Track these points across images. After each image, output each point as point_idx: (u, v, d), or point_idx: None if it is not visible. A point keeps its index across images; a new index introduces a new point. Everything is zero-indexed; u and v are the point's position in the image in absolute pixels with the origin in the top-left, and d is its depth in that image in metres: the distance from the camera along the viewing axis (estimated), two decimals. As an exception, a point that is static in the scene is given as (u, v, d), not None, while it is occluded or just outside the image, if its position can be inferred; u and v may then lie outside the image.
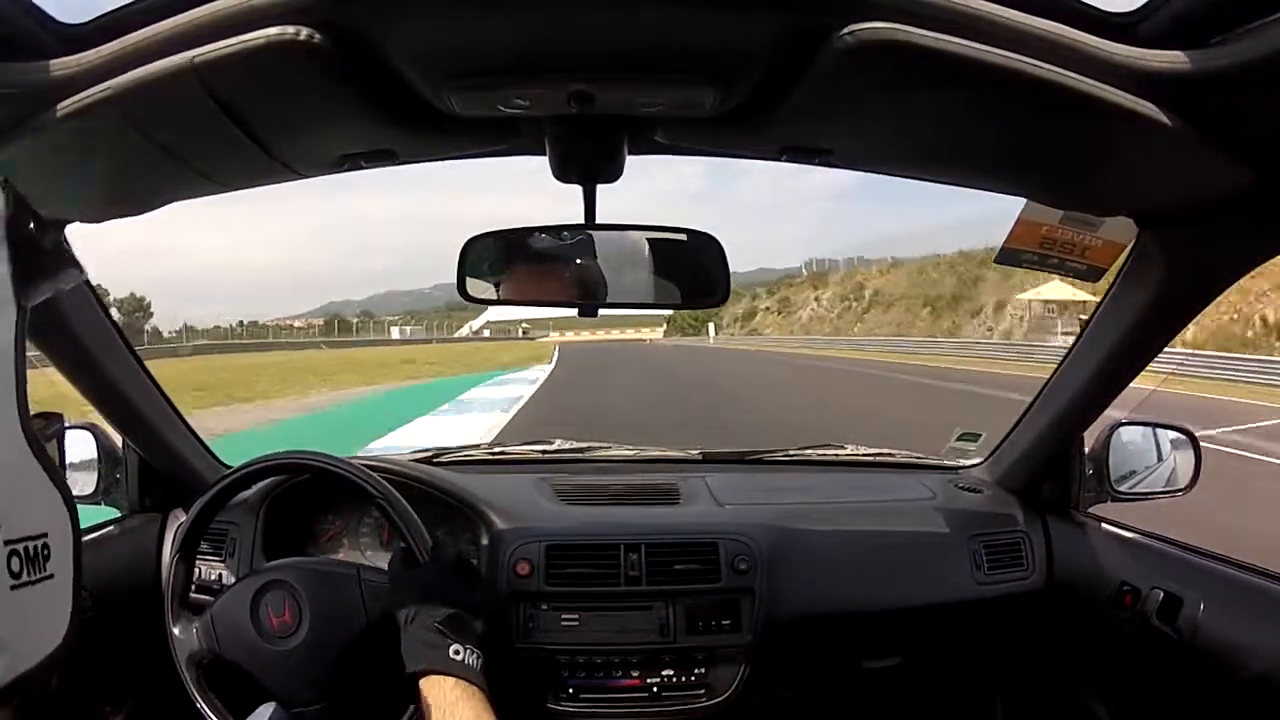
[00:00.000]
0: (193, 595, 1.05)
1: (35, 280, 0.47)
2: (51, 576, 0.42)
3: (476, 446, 1.67)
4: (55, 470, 0.45)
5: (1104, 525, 1.30)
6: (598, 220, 0.84)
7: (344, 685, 0.94)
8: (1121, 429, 1.31)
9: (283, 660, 0.93)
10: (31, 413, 0.47)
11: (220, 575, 1.24)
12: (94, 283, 1.10)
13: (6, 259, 0.44)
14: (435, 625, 0.87)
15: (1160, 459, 1.33)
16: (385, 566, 1.29)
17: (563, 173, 0.81)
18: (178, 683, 0.97)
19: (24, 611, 0.40)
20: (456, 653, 0.85)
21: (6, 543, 0.39)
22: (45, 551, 0.42)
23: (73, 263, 0.52)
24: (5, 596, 0.39)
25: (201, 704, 0.97)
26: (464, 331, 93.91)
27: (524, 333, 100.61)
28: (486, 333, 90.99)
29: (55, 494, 0.45)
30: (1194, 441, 1.30)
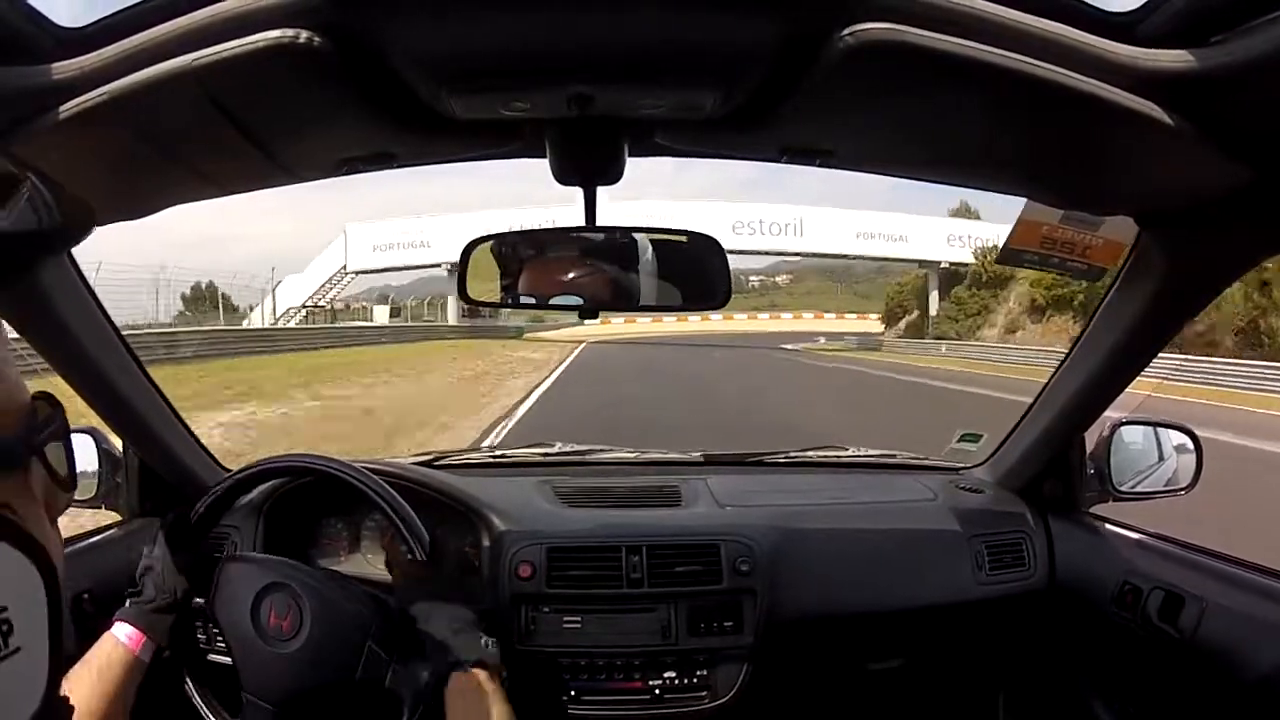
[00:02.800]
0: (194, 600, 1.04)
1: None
2: (17, 650, 0.36)
3: (478, 450, 1.67)
4: (15, 532, 0.37)
5: (1106, 525, 1.30)
6: (598, 222, 0.84)
7: (301, 708, 0.93)
8: (1123, 428, 1.31)
9: (264, 654, 0.93)
10: (33, 393, 0.40)
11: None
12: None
13: None
14: (464, 619, 0.90)
15: (1162, 458, 1.33)
16: (386, 572, 1.29)
17: (563, 175, 0.82)
18: (177, 685, 0.97)
19: None
20: (486, 644, 0.88)
21: None
22: (6, 627, 0.35)
23: (71, 220, 0.42)
24: None
25: (190, 685, 0.96)
26: (257, 319, 31.38)
27: (470, 311, 33.21)
28: (381, 315, 37.02)
29: (14, 555, 0.37)
30: (1195, 440, 1.30)
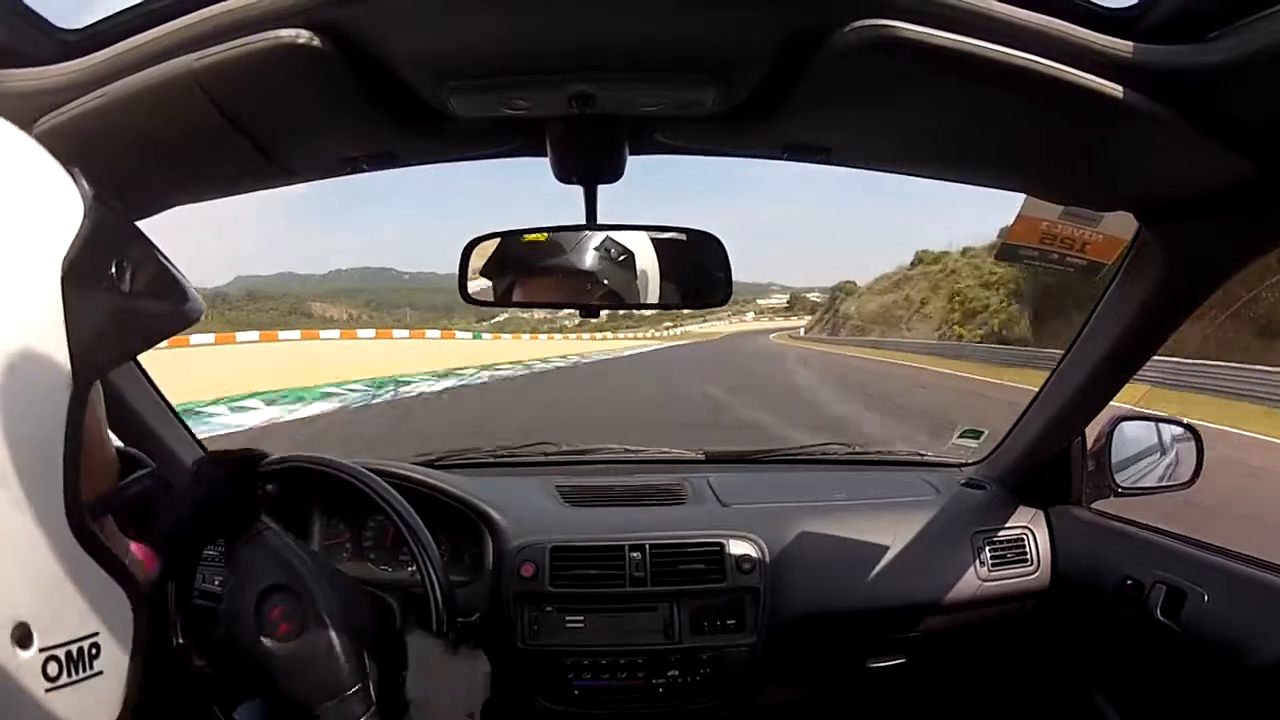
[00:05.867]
0: (195, 601, 1.04)
1: (108, 339, 0.38)
2: (100, 674, 0.39)
3: (479, 449, 1.66)
4: (113, 561, 0.40)
5: (1107, 520, 1.30)
6: (599, 220, 0.84)
7: (234, 679, 0.92)
8: (1124, 424, 1.32)
9: (251, 638, 0.92)
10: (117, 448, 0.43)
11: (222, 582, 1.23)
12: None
13: (61, 319, 0.36)
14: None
15: (1162, 453, 1.34)
16: (389, 571, 1.29)
17: (563, 173, 0.82)
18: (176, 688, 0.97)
19: (59, 711, 0.37)
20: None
21: (42, 650, 0.36)
22: (94, 650, 0.38)
23: (178, 302, 0.42)
24: (38, 698, 0.36)
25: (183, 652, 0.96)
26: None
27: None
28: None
29: (113, 588, 0.40)
30: (1195, 435, 1.30)
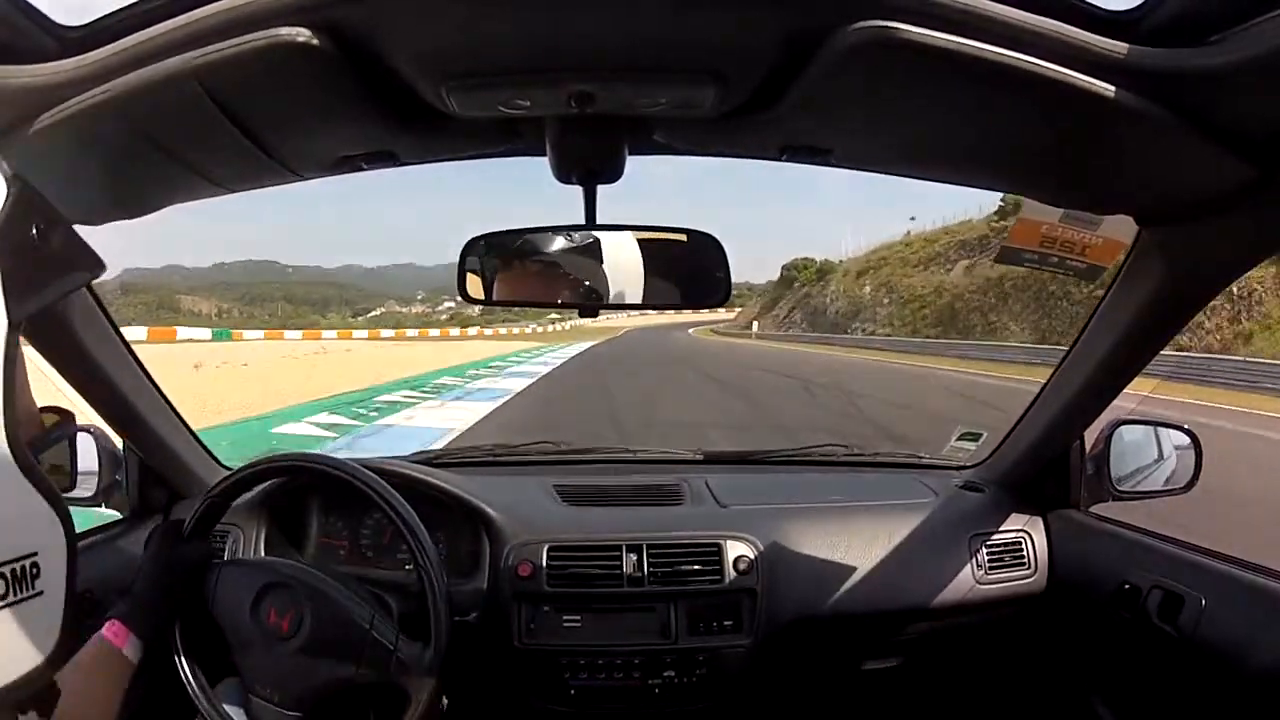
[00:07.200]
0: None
1: (32, 289, 0.45)
2: (41, 593, 0.42)
3: (478, 448, 1.67)
4: (49, 486, 0.44)
5: (1105, 524, 1.30)
6: (598, 220, 0.84)
7: (306, 703, 0.95)
8: (1123, 428, 1.31)
9: (266, 653, 0.94)
10: (40, 406, 0.47)
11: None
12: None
13: None
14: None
15: (1161, 457, 1.33)
16: (387, 571, 1.29)
17: (563, 173, 0.82)
18: (178, 685, 0.97)
19: (9, 628, 0.40)
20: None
21: None
22: (34, 570, 0.42)
23: (84, 261, 0.52)
24: None
25: (192, 686, 0.98)
26: None
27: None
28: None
29: (48, 510, 0.44)
30: (1195, 440, 1.30)
